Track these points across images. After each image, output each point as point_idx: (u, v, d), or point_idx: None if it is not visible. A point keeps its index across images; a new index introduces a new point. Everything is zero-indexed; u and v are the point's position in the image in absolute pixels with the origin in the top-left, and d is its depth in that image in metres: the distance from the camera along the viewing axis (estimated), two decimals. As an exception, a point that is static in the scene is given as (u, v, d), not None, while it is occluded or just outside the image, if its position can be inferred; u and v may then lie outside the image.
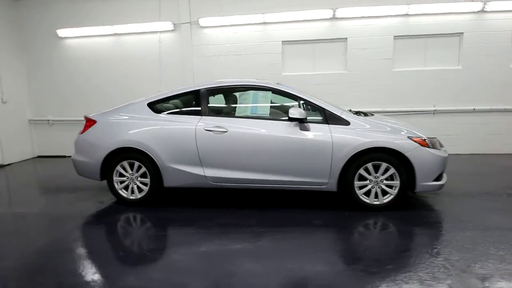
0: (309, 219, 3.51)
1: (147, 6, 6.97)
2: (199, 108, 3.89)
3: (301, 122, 3.59)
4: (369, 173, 3.57)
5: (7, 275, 2.56)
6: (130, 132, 3.91)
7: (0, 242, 3.18)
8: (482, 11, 6.06)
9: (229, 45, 6.87)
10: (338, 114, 3.65)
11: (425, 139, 3.54)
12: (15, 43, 7.31)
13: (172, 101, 4.10)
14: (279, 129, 3.65)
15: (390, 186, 3.58)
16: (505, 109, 6.31)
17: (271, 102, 3.95)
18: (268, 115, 3.81)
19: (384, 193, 3.60)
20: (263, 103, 3.86)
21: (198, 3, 6.80)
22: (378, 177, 3.56)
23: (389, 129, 3.61)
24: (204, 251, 2.86)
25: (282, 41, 6.71)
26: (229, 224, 3.42)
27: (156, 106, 4.03)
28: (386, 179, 3.56)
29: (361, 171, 3.56)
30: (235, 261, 2.67)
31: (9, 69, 7.19)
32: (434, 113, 6.53)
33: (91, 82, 7.36)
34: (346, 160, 3.52)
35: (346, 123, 3.60)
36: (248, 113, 3.85)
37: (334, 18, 6.44)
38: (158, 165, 3.83)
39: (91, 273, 2.55)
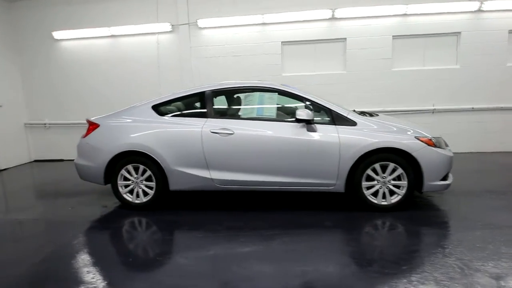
0: (318, 220, 3.50)
1: (144, 8, 6.90)
2: (205, 110, 3.86)
3: (308, 123, 3.58)
4: (377, 174, 3.57)
5: (14, 282, 2.50)
6: (134, 135, 3.86)
7: (5, 249, 3.11)
8: (479, 10, 6.14)
9: (228, 46, 6.84)
10: (345, 115, 3.65)
11: (431, 139, 3.56)
12: (10, 45, 7.17)
13: (177, 103, 4.06)
14: (286, 131, 3.63)
15: (398, 186, 3.59)
16: (502, 107, 6.40)
17: (277, 104, 3.93)
18: (274, 117, 3.79)
19: (392, 193, 3.62)
20: (269, 104, 3.84)
21: (196, 4, 6.76)
22: (385, 177, 3.57)
23: (395, 129, 3.63)
24: (214, 255, 2.83)
25: (282, 42, 6.71)
26: (237, 227, 3.39)
27: (160, 109, 3.98)
28: (394, 179, 3.57)
29: (369, 172, 3.57)
30: (247, 264, 2.64)
31: (4, 72, 7.05)
32: (433, 112, 6.60)
33: (88, 84, 7.27)
34: (354, 161, 3.52)
35: (353, 123, 3.61)
36: (254, 115, 3.82)
37: (333, 18, 6.46)
38: (164, 168, 3.78)
39: (100, 279, 2.50)
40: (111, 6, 6.96)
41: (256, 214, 3.73)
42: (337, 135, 3.55)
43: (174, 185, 3.85)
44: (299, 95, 3.78)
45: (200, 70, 6.94)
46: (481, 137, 6.48)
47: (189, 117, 3.89)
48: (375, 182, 3.60)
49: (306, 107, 3.72)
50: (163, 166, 3.78)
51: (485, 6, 6.04)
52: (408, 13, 6.29)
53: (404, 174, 3.54)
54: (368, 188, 3.62)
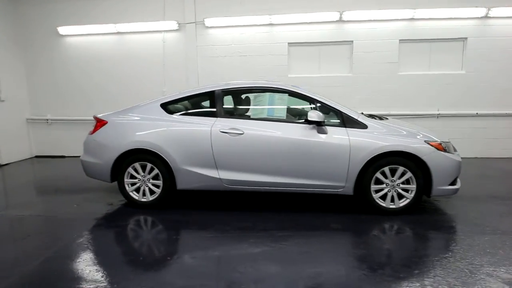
0: (327, 222, 3.49)
1: (151, 5, 6.88)
2: (214, 110, 3.84)
3: (319, 125, 3.57)
4: (386, 177, 3.57)
5: (19, 282, 2.47)
6: (142, 133, 3.84)
7: (10, 247, 3.08)
8: (486, 16, 6.17)
9: (234, 46, 6.83)
10: (356, 117, 3.65)
11: (441, 143, 3.57)
12: (14, 40, 7.13)
13: (186, 102, 4.04)
14: (297, 132, 3.62)
15: (406, 190, 3.59)
16: (506, 113, 6.43)
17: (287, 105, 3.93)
18: (284, 118, 3.78)
19: (400, 197, 3.62)
20: (280, 105, 3.83)
21: (203, 3, 6.75)
22: (394, 181, 3.57)
23: (405, 133, 3.63)
24: (224, 256, 2.82)
25: (288, 43, 6.71)
26: (246, 228, 3.38)
27: (169, 107, 3.96)
28: (403, 183, 3.57)
29: (378, 175, 3.57)
30: (258, 266, 2.63)
31: (7, 67, 7.01)
32: (438, 116, 6.62)
33: (93, 81, 7.23)
34: (363, 164, 3.52)
35: (364, 126, 3.60)
36: (265, 115, 3.81)
37: (340, 20, 6.46)
38: (172, 167, 3.76)
39: (109, 278, 2.47)
40: (118, 2, 6.93)
41: (264, 215, 3.72)
42: (347, 137, 3.55)
43: (181, 184, 3.83)
44: (309, 97, 3.78)
45: (205, 69, 6.93)
46: (485, 142, 6.51)
47: (199, 116, 3.88)
48: (384, 186, 3.60)
49: (316, 108, 3.71)
50: (171, 165, 3.76)
51: (492, 13, 6.07)
52: (415, 17, 6.31)
53: (413, 178, 3.54)
54: (377, 191, 3.62)
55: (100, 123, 4.03)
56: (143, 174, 3.88)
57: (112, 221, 3.66)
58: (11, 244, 3.13)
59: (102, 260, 2.78)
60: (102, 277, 2.50)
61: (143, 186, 3.91)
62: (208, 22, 6.68)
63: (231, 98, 4.10)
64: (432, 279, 2.38)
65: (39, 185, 5.41)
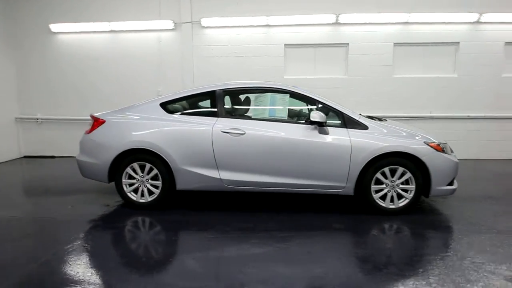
0: (328, 223, 3.50)
1: (146, 4, 6.81)
2: (215, 109, 3.81)
3: (321, 126, 3.59)
4: (386, 177, 3.61)
5: (21, 284, 2.39)
6: (142, 132, 3.78)
7: (9, 249, 2.96)
8: (478, 22, 6.33)
9: (231, 47, 6.82)
10: (357, 119, 3.68)
11: (439, 144, 3.63)
12: (3, 36, 6.94)
13: (186, 101, 4.00)
14: (298, 132, 3.63)
15: (405, 190, 3.63)
16: (498, 116, 6.60)
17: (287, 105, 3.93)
18: (286, 118, 3.79)
19: (399, 197, 3.66)
20: (281, 105, 3.83)
21: (199, 2, 6.72)
22: (394, 181, 3.61)
23: (405, 134, 3.68)
24: (227, 256, 2.79)
25: (285, 44, 6.74)
26: (247, 228, 3.35)
27: (169, 107, 3.92)
28: (402, 183, 3.61)
29: (378, 175, 3.60)
30: (262, 266, 2.60)
31: (-3, 64, 6.82)
32: (430, 119, 6.73)
33: (86, 79, 7.10)
34: (364, 164, 3.54)
35: (365, 127, 3.64)
36: (266, 116, 3.81)
37: (336, 23, 6.53)
38: (171, 167, 3.71)
39: (108, 282, 2.42)
40: (112, 0, 6.83)
41: (264, 216, 3.71)
42: (348, 138, 3.57)
43: (181, 184, 3.78)
44: (311, 97, 3.79)
45: (201, 69, 6.88)
46: (477, 145, 6.66)
47: (199, 116, 3.84)
48: (384, 186, 3.63)
49: (318, 109, 3.73)
50: (171, 165, 3.71)
51: (484, 18, 6.24)
52: (410, 21, 6.42)
53: (413, 179, 3.58)
54: (377, 191, 3.65)
55: (97, 122, 3.95)
56: (141, 174, 3.82)
57: (110, 223, 3.59)
58: (7, 246, 3.01)
59: (102, 263, 2.71)
60: (102, 280, 2.44)
61: (141, 186, 3.85)
62: (205, 22, 6.65)
63: (232, 98, 4.08)
64: (437, 277, 2.41)
65: (31, 186, 5.26)
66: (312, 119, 3.50)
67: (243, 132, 3.64)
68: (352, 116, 3.68)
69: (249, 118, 3.85)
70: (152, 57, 6.94)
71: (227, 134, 3.65)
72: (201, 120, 3.78)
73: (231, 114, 3.91)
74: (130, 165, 3.81)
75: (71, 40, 6.99)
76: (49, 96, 7.21)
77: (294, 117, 3.93)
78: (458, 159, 3.75)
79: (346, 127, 3.64)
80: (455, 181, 3.78)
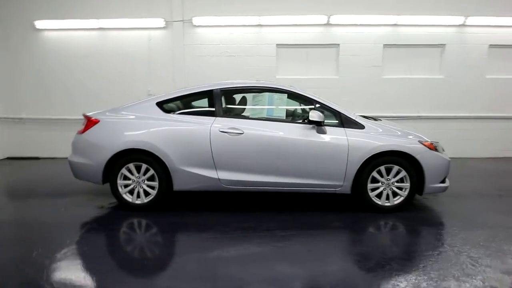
0: (327, 221, 3.55)
1: (136, 2, 6.69)
2: (213, 109, 3.79)
3: (319, 125, 3.62)
4: (381, 176, 3.68)
5: (21, 289, 2.31)
6: (138, 132, 3.71)
7: (2, 255, 2.85)
8: (463, 25, 6.55)
9: (223, 46, 6.79)
10: (353, 118, 3.74)
11: (432, 143, 3.74)
12: (-15, 33, 6.67)
13: (183, 100, 3.96)
14: (296, 132, 3.65)
15: (400, 188, 3.72)
16: (481, 116, 6.84)
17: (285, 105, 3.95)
18: (284, 118, 3.80)
19: (394, 195, 3.74)
20: (279, 105, 3.85)
21: (191, 1, 6.65)
22: (389, 179, 3.69)
23: (399, 133, 3.77)
24: (230, 257, 2.78)
25: (277, 44, 6.76)
26: (247, 228, 3.35)
27: (165, 106, 3.86)
28: (397, 181, 3.70)
29: (374, 174, 3.67)
30: (267, 266, 2.61)
31: (-22, 61, 6.54)
32: (418, 118, 6.91)
33: (73, 78, 6.90)
34: (361, 163, 3.60)
35: (361, 127, 3.70)
36: (264, 115, 3.82)
37: (328, 24, 6.61)
38: (169, 167, 3.66)
39: (110, 285, 2.37)
40: (101, -3, 6.68)
41: (263, 215, 3.71)
42: (345, 137, 3.62)
43: (178, 185, 3.74)
44: (308, 97, 3.83)
45: (193, 68, 6.82)
46: (462, 143, 6.87)
47: (197, 115, 3.81)
48: (380, 184, 3.70)
49: (315, 108, 3.76)
50: (168, 165, 3.66)
51: (469, 21, 6.46)
52: (398, 23, 6.57)
53: (407, 177, 3.67)
54: (373, 189, 3.72)
55: (91, 121, 3.85)
56: (137, 175, 3.75)
57: (105, 225, 3.51)
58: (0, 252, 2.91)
59: (100, 266, 2.63)
60: (102, 284, 2.38)
61: (137, 187, 3.77)
62: (196, 21, 6.60)
63: (230, 98, 4.07)
64: (437, 272, 2.48)
65: (18, 188, 5.06)
66: (310, 118, 3.53)
67: (242, 132, 3.63)
68: (349, 116, 3.74)
69: (247, 117, 3.84)
70: (142, 56, 6.82)
71: (226, 133, 3.64)
72: (198, 119, 3.74)
73: (229, 113, 3.90)
74: (126, 166, 3.73)
75: (57, 38, 6.78)
76: (34, 95, 6.97)
77: (292, 116, 3.95)
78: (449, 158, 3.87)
79: (343, 127, 3.69)
80: (446, 179, 3.90)
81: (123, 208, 3.85)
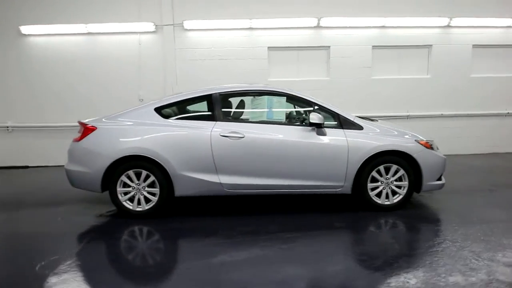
0: (329, 221, 3.59)
1: (125, 5, 6.61)
2: (213, 113, 3.77)
3: (319, 127, 3.66)
4: (381, 175, 3.76)
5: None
6: (137, 138, 3.66)
7: (2, 268, 2.76)
8: (448, 26, 6.77)
9: (214, 49, 6.78)
10: (352, 119, 3.80)
11: (428, 141, 3.84)
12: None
13: (182, 105, 3.93)
14: (297, 134, 3.68)
15: (399, 187, 3.80)
16: (467, 114, 7.07)
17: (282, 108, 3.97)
18: (284, 120, 3.83)
19: (393, 193, 3.81)
20: (278, 108, 3.87)
21: (181, 5, 6.62)
22: (388, 178, 3.77)
23: (396, 133, 3.86)
24: (240, 261, 2.78)
25: (268, 47, 6.80)
26: (251, 232, 3.34)
27: (164, 111, 3.82)
28: (396, 180, 3.78)
29: (374, 173, 3.74)
30: (276, 268, 2.61)
31: (-40, 69, 6.29)
32: (407, 118, 7.09)
33: (62, 84, 6.73)
34: (361, 163, 3.66)
35: (360, 127, 3.77)
36: (264, 118, 3.83)
37: (318, 26, 6.70)
38: (170, 173, 3.62)
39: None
40: (88, 1, 6.54)
41: (265, 218, 3.72)
42: (345, 138, 3.68)
43: (180, 191, 3.70)
44: (307, 100, 3.87)
45: (184, 73, 6.77)
46: (451, 141, 7.04)
47: (196, 120, 3.79)
48: (379, 183, 3.78)
49: (314, 111, 3.79)
50: (169, 171, 3.61)
51: (453, 22, 6.68)
52: (386, 25, 6.73)
53: (405, 175, 3.76)
54: (372, 189, 3.78)
55: (87, 129, 3.76)
56: (137, 182, 3.69)
57: (107, 234, 3.44)
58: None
59: (106, 277, 2.59)
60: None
61: (137, 194, 3.71)
62: (187, 24, 6.56)
63: (229, 102, 4.06)
64: (443, 268, 2.55)
65: (11, 198, 4.85)
66: (311, 120, 3.57)
67: (243, 136, 3.63)
68: (348, 117, 3.80)
69: (247, 121, 3.86)
70: (132, 60, 6.72)
71: (226, 138, 3.63)
72: (198, 124, 3.72)
73: (229, 117, 3.89)
74: (125, 173, 3.66)
75: (44, 43, 6.60)
76: (21, 102, 6.75)
77: (291, 119, 3.98)
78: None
79: (342, 128, 3.75)
80: (442, 176, 4.01)
81: (122, 216, 3.78)
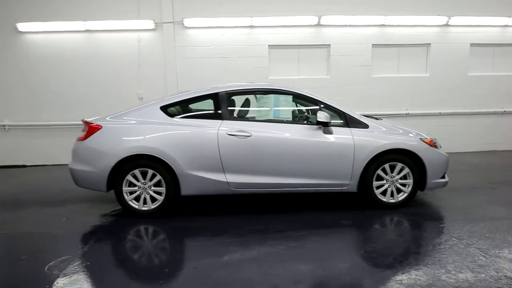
0: (335, 219, 3.61)
1: (124, 3, 6.52)
2: (219, 112, 3.76)
3: (325, 126, 3.68)
4: (386, 173, 3.79)
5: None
6: (144, 137, 3.63)
7: (10, 270, 2.71)
8: (447, 24, 6.83)
9: (214, 47, 6.74)
10: (358, 118, 3.82)
11: (432, 140, 3.89)
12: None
13: (188, 104, 3.91)
14: (303, 133, 3.70)
15: (403, 185, 3.84)
16: (464, 112, 7.17)
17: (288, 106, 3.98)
18: (290, 119, 3.84)
19: (398, 191, 3.85)
20: (285, 106, 3.88)
21: (181, 2, 6.56)
22: (394, 176, 3.80)
23: (401, 131, 3.89)
24: (252, 259, 2.79)
25: (269, 45, 6.79)
26: (260, 230, 3.35)
27: (170, 110, 3.80)
28: (401, 178, 3.82)
29: (379, 172, 3.77)
30: (290, 267, 2.62)
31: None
32: (406, 116, 7.15)
33: (60, 82, 6.63)
34: (367, 162, 3.69)
35: (365, 126, 3.79)
36: (270, 117, 3.83)
37: (319, 25, 6.70)
38: (176, 172, 3.61)
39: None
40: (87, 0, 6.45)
41: (272, 216, 3.74)
42: (351, 137, 3.70)
43: (186, 190, 3.69)
44: (314, 98, 3.88)
45: (185, 70, 6.73)
46: (447, 139, 7.10)
47: (203, 119, 3.77)
48: (384, 181, 3.81)
49: (321, 109, 3.81)
50: (175, 170, 3.60)
51: (452, 21, 6.75)
52: (386, 23, 6.76)
53: (410, 173, 3.80)
54: (377, 187, 3.82)
55: (92, 128, 3.72)
56: (143, 181, 3.67)
57: (114, 234, 3.41)
58: (6, 267, 2.76)
59: (117, 277, 2.58)
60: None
61: (143, 194, 3.69)
62: (188, 22, 6.51)
63: (235, 100, 4.05)
64: (453, 265, 2.59)
65: (11, 198, 4.78)
66: (318, 119, 3.59)
67: (250, 134, 3.63)
68: (354, 116, 3.83)
69: (254, 120, 3.86)
70: (132, 58, 6.65)
71: (233, 136, 3.62)
72: (205, 123, 3.71)
73: (236, 116, 3.88)
74: (131, 172, 3.64)
75: (42, 41, 6.49)
76: (18, 101, 6.64)
77: (298, 118, 3.99)
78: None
79: (349, 127, 3.77)
80: (445, 174, 4.06)
81: (128, 216, 3.76)
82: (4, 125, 6.67)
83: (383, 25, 6.81)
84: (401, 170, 3.79)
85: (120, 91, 6.61)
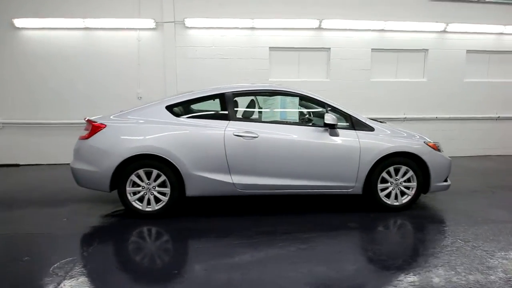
0: (340, 222, 3.61)
1: (124, 1, 6.44)
2: (226, 112, 3.74)
3: (332, 128, 3.69)
4: (390, 176, 3.82)
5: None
6: (149, 137, 3.58)
7: (11, 272, 2.62)
8: (444, 31, 6.96)
9: (215, 48, 6.72)
10: (364, 121, 3.85)
11: (435, 143, 3.94)
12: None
13: (194, 104, 3.88)
14: (310, 135, 3.70)
15: (407, 188, 3.87)
16: (460, 117, 7.30)
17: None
18: (297, 121, 3.84)
19: (402, 194, 3.88)
20: (291, 108, 3.88)
21: (183, 2, 6.52)
22: (398, 179, 3.83)
23: (405, 134, 3.93)
24: (261, 260, 2.76)
25: (270, 47, 6.80)
26: (268, 232, 3.33)
27: (175, 109, 3.76)
28: (405, 181, 3.85)
29: (384, 174, 3.80)
30: (301, 269, 2.60)
31: None
32: (404, 120, 7.24)
33: (58, 80, 6.51)
34: (372, 164, 3.72)
35: (371, 129, 3.82)
36: (277, 118, 3.82)
37: (319, 28, 6.75)
38: (182, 173, 3.56)
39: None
40: (86, -4, 6.37)
41: (278, 218, 3.73)
42: (357, 139, 3.72)
43: (191, 190, 3.65)
44: (320, 100, 3.90)
45: (185, 71, 6.68)
46: (444, 143, 7.17)
47: (209, 119, 3.74)
48: (389, 184, 3.84)
49: (327, 112, 3.82)
50: (181, 170, 3.56)
51: (449, 28, 6.88)
52: (385, 29, 6.86)
53: (414, 176, 3.83)
54: (382, 189, 3.84)
55: (96, 126, 3.65)
56: (147, 181, 3.61)
57: (116, 235, 3.34)
58: (7, 269, 2.67)
59: (123, 279, 2.53)
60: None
61: (147, 194, 3.64)
62: (189, 22, 6.48)
63: (242, 101, 4.03)
64: (462, 267, 2.62)
65: (8, 197, 4.65)
66: (325, 121, 3.59)
67: (256, 135, 3.61)
68: (360, 119, 3.85)
69: (260, 121, 3.84)
70: (131, 57, 6.58)
71: (240, 137, 3.60)
72: (211, 123, 3.68)
73: (242, 117, 3.87)
74: (135, 172, 3.58)
75: (39, 37, 6.36)
76: (13, 98, 6.48)
77: (304, 120, 3.99)
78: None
79: (355, 129, 3.79)
80: (448, 177, 4.12)
81: (130, 216, 3.70)
82: (-2, 123, 6.51)
83: (382, 30, 6.90)
84: (405, 173, 3.83)
85: (119, 90, 6.52)
